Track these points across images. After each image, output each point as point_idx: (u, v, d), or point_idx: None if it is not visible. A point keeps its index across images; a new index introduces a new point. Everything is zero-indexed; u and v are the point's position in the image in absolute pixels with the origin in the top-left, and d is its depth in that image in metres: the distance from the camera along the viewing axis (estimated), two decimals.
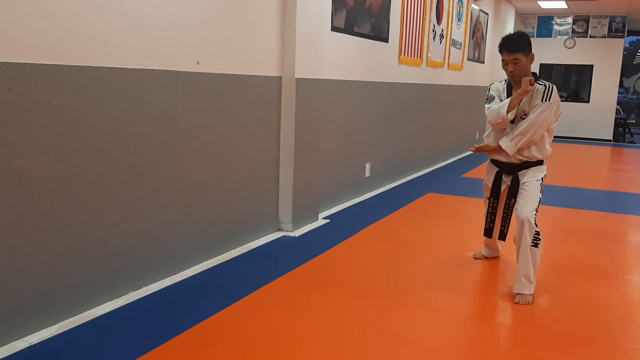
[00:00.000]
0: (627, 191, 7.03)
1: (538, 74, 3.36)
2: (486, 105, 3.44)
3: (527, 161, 3.36)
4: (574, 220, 5.40)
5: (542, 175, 3.37)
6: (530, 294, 3.22)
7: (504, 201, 3.47)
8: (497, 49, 3.34)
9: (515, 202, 3.35)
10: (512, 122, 3.33)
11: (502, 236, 3.55)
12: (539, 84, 3.27)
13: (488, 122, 3.43)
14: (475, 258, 3.97)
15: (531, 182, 3.32)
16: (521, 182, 3.35)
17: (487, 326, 3.00)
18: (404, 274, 3.64)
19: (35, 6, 2.47)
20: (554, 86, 3.29)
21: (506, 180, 3.45)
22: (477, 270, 3.81)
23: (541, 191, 3.33)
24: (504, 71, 3.34)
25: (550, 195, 6.37)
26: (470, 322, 3.01)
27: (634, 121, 16.02)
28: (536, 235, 3.21)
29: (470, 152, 9.95)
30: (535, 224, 3.21)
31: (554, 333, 2.87)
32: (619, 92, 13.75)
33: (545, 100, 3.23)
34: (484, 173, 3.67)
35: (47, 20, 2.52)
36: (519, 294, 3.22)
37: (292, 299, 3.19)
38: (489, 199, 3.58)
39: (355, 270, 3.69)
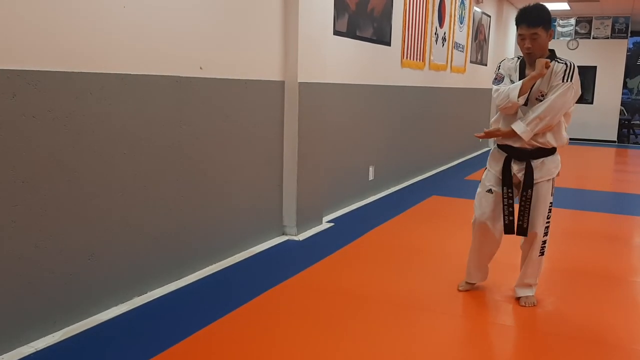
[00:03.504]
0: (633, 192, 7.00)
1: (555, 52, 3.05)
2: (494, 87, 3.07)
3: (540, 148, 3.03)
4: (580, 222, 5.38)
5: (557, 172, 3.11)
6: (534, 295, 3.21)
7: (520, 193, 3.10)
8: (515, 22, 3.01)
9: (532, 193, 3.05)
10: (525, 104, 2.99)
11: (523, 231, 3.12)
12: (559, 62, 2.94)
13: (496, 106, 3.08)
14: (460, 290, 3.42)
15: (543, 186, 3.06)
16: (535, 180, 3.05)
17: (493, 328, 2.99)
18: (408, 276, 3.64)
19: (38, 13, 2.48)
20: (575, 65, 2.96)
21: (516, 168, 3.09)
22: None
23: (552, 193, 3.11)
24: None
25: (556, 196, 6.35)
26: (475, 325, 3.00)
27: (638, 122, 15.95)
28: (543, 245, 3.15)
29: (472, 155, 9.96)
30: (545, 232, 3.12)
31: (560, 335, 2.86)
32: (623, 93, 13.71)
33: (567, 81, 2.90)
34: None
35: (51, 27, 2.54)
36: (524, 296, 3.21)
37: (296, 303, 3.19)
38: (503, 188, 3.11)
39: (360, 273, 3.69)
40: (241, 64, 3.81)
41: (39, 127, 2.53)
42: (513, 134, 3.00)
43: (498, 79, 3.08)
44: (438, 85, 7.92)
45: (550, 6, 11.86)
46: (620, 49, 13.00)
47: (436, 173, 8.02)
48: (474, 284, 3.45)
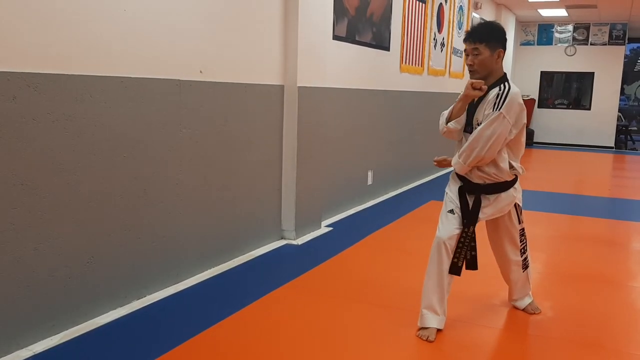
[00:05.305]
0: (630, 198, 7.02)
1: (506, 76, 2.76)
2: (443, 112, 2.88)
3: (494, 182, 2.74)
4: (578, 228, 5.39)
5: (514, 204, 2.87)
6: (533, 300, 3.22)
7: (462, 229, 2.82)
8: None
9: (473, 230, 2.81)
10: (470, 131, 2.72)
11: (456, 270, 2.86)
12: (501, 88, 2.65)
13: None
14: (425, 339, 2.80)
15: (500, 220, 2.91)
16: (496, 219, 2.90)
17: (491, 333, 2.99)
18: (407, 281, 3.63)
19: (39, 16, 2.48)
20: (513, 90, 2.63)
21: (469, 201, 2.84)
22: (479, 278, 3.79)
23: (521, 221, 2.94)
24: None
25: (554, 202, 6.37)
26: (475, 330, 3.00)
27: (635, 128, 16.02)
28: (525, 261, 3.07)
29: None
30: (523, 251, 3.04)
31: (559, 340, 2.86)
32: (620, 100, 13.76)
33: (496, 110, 2.58)
34: None
35: (51, 30, 2.54)
36: (528, 305, 3.18)
37: (295, 307, 3.18)
38: (469, 227, 2.81)
39: (358, 278, 3.68)
40: (241, 67, 3.82)
41: (39, 129, 2.53)
42: None
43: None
44: (437, 90, 7.94)
45: (549, 12, 11.97)
46: (617, 55, 13.05)
47: (435, 178, 8.03)
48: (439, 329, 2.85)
